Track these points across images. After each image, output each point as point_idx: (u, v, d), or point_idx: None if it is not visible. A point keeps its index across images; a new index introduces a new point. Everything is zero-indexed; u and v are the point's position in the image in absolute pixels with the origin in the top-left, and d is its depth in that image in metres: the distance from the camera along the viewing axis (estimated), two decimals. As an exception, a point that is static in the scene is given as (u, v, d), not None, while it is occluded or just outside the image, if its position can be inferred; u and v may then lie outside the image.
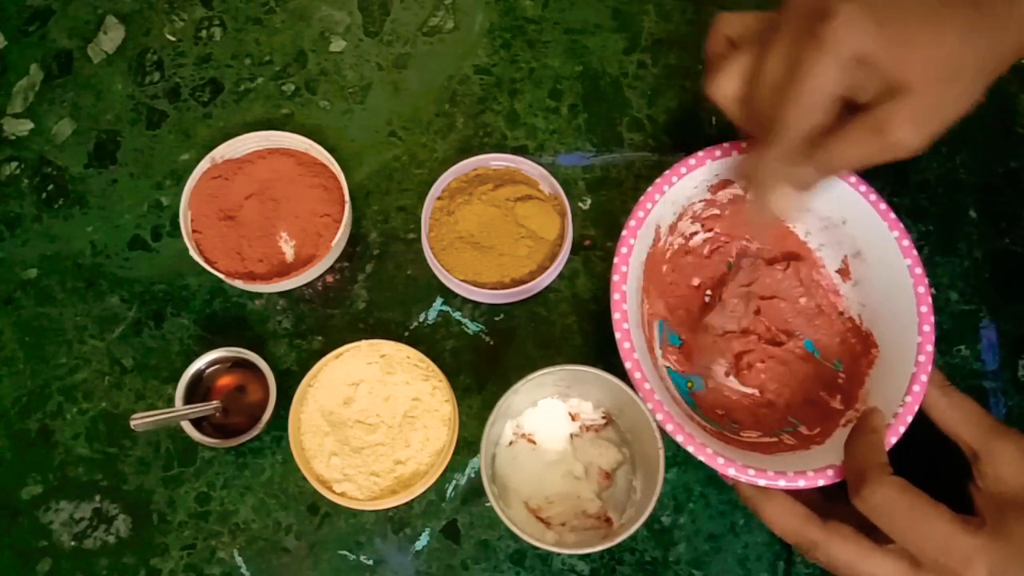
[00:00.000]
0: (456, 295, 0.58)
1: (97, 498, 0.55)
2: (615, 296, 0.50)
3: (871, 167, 0.41)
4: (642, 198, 0.52)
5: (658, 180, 0.53)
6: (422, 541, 0.54)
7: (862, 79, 0.39)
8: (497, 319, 0.58)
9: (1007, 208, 0.61)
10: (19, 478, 0.55)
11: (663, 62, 0.66)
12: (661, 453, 0.46)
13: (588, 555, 0.53)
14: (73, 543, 0.54)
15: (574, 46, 0.66)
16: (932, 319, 0.50)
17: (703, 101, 0.64)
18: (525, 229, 0.57)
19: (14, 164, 0.63)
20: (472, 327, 0.58)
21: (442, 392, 0.53)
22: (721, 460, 0.47)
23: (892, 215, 0.52)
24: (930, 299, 0.51)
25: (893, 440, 0.48)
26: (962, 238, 0.60)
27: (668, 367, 0.56)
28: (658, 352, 0.56)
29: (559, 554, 0.53)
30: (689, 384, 0.56)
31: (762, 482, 0.47)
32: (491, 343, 0.58)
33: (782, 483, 0.47)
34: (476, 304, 0.59)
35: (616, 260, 0.51)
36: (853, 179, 0.53)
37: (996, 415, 0.56)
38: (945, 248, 0.60)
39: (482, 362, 0.57)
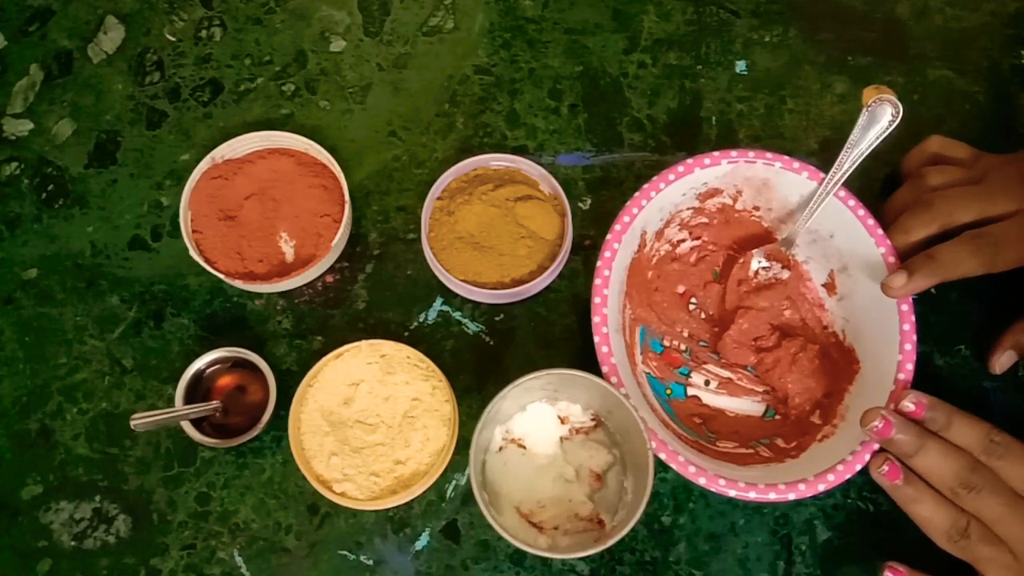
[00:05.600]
0: (456, 295, 0.58)
1: (97, 498, 0.54)
2: (595, 300, 0.50)
3: None
4: (628, 203, 0.52)
5: (645, 186, 0.53)
6: (422, 541, 0.54)
7: None
8: (497, 319, 0.58)
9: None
10: (19, 478, 0.55)
11: (663, 62, 0.66)
12: (651, 453, 0.46)
13: (587, 556, 0.53)
14: (73, 543, 0.54)
15: (574, 46, 0.66)
16: (914, 337, 0.50)
17: (703, 101, 0.65)
18: (525, 229, 0.57)
19: (14, 164, 0.63)
20: (472, 327, 0.58)
21: (442, 392, 0.53)
22: (692, 469, 0.47)
23: (879, 231, 0.52)
24: (913, 317, 0.50)
25: (867, 457, 0.48)
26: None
27: (648, 373, 0.56)
28: (638, 357, 0.56)
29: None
30: (668, 391, 0.56)
31: (732, 493, 0.47)
32: (491, 343, 0.58)
33: (752, 495, 0.47)
34: (476, 304, 0.59)
35: (599, 264, 0.51)
36: (842, 193, 0.53)
37: (996, 415, 0.56)
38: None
39: (482, 362, 0.57)
